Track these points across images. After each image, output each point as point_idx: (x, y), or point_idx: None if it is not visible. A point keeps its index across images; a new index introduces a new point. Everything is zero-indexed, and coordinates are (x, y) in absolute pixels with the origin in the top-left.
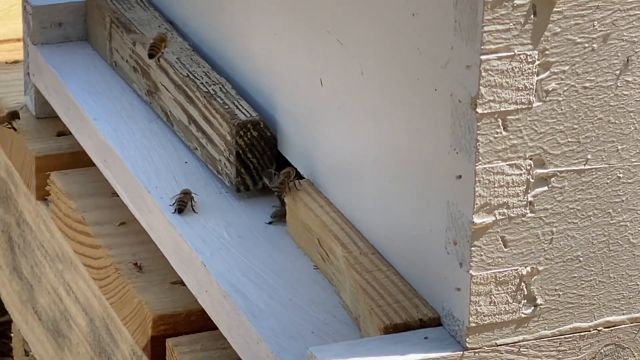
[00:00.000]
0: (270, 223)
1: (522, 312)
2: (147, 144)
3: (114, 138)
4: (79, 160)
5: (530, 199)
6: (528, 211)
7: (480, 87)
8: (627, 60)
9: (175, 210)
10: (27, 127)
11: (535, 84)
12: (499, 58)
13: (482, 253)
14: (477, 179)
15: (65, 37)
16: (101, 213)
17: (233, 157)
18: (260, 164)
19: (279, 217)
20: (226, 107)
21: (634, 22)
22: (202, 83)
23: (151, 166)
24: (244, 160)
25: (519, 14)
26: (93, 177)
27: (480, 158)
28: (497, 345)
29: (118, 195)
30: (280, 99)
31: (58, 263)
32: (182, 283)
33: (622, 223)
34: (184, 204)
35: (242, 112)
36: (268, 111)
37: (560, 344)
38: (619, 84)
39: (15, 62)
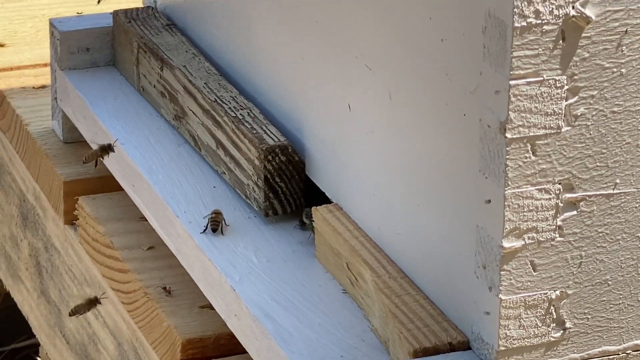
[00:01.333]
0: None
1: (551, 336)
2: (175, 169)
3: (142, 163)
4: (107, 184)
5: (559, 223)
6: (557, 235)
7: (510, 112)
8: None
9: (205, 229)
10: (54, 151)
11: (564, 108)
12: (528, 83)
13: (511, 277)
14: (506, 203)
15: (93, 62)
16: (129, 237)
17: (261, 182)
18: (288, 189)
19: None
20: (254, 131)
21: None
22: (229, 108)
23: (179, 191)
24: (272, 184)
25: (547, 39)
26: (121, 201)
27: (509, 183)
28: None
29: (146, 220)
30: (309, 123)
31: (86, 287)
32: (210, 307)
33: None
34: (217, 223)
35: (270, 137)
36: (296, 136)
37: None
38: None
39: (43, 87)
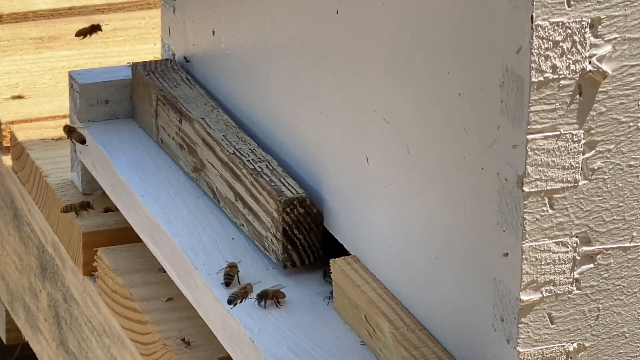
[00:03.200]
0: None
1: None
2: (194, 221)
3: (161, 214)
4: (125, 236)
5: (576, 276)
6: (574, 288)
7: (527, 166)
8: None
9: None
10: (74, 203)
11: (581, 162)
12: (545, 137)
13: (529, 330)
14: (524, 256)
15: (112, 114)
16: (148, 289)
17: (280, 234)
18: (306, 241)
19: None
20: (273, 184)
21: None
22: (248, 160)
23: (198, 242)
24: (290, 236)
25: (564, 94)
26: (140, 253)
27: (527, 236)
28: None
29: (165, 271)
30: (327, 176)
31: (105, 338)
32: (229, 358)
33: None
34: (230, 277)
35: (289, 189)
36: (314, 188)
37: None
38: None
39: (62, 138)
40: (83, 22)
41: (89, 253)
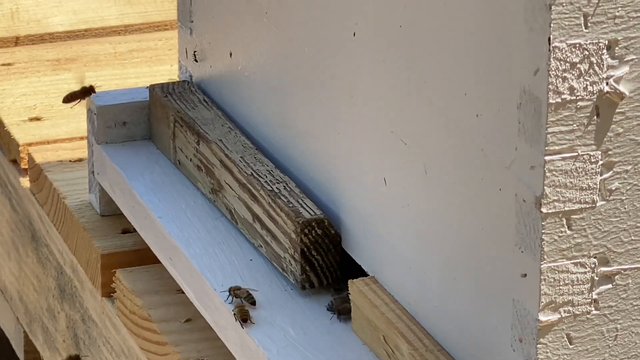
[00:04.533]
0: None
1: None
2: (212, 242)
3: (179, 236)
4: (144, 257)
5: (595, 296)
6: (593, 309)
7: (545, 187)
8: None
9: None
10: (92, 224)
11: (598, 183)
12: (563, 159)
13: (547, 350)
14: (542, 277)
15: (130, 136)
16: (167, 310)
17: (298, 255)
18: (324, 261)
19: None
20: (290, 205)
21: None
22: (266, 182)
23: (216, 264)
24: (308, 257)
25: (582, 115)
26: (158, 274)
27: (545, 257)
28: None
29: (183, 292)
30: (345, 197)
31: (124, 359)
32: None
33: None
34: (245, 313)
35: (307, 210)
36: (332, 209)
37: None
38: None
39: (79, 160)
40: (98, 44)
41: (107, 274)
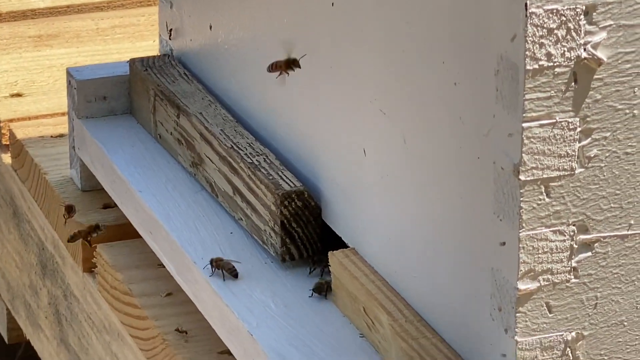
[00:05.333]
0: (311, 296)
1: None
2: (192, 215)
3: (160, 210)
4: (124, 232)
5: (574, 264)
6: (572, 277)
7: (523, 155)
8: None
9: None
10: (73, 200)
11: (577, 150)
12: (541, 125)
13: (526, 319)
14: (521, 245)
15: (110, 110)
16: (148, 284)
17: (278, 227)
18: (305, 234)
19: (319, 290)
20: (270, 177)
21: None
22: (246, 154)
23: (197, 237)
24: (289, 230)
25: (559, 81)
26: (139, 248)
27: (523, 225)
28: None
29: (164, 267)
30: (324, 168)
31: (105, 335)
32: (229, 353)
33: None
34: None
35: (287, 183)
36: (312, 181)
37: None
38: None
39: (61, 135)
40: (81, 20)
41: (88, 250)
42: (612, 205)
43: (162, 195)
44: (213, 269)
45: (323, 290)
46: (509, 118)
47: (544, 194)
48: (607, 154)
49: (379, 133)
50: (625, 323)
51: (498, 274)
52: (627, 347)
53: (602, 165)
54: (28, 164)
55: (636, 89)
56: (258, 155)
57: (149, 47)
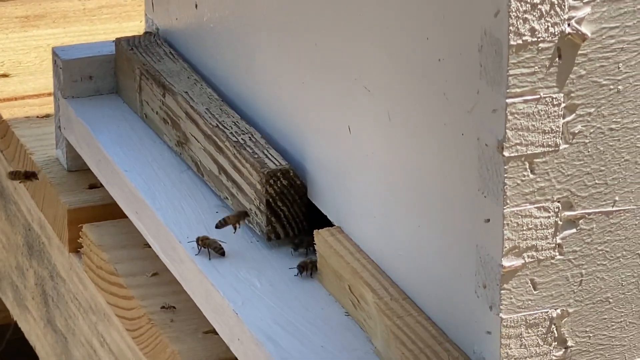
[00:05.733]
0: (296, 275)
1: (553, 355)
2: (178, 195)
3: (145, 189)
4: (110, 212)
5: (558, 241)
6: (557, 253)
7: (507, 131)
8: None
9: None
10: (59, 180)
11: (561, 126)
12: (525, 101)
13: (511, 296)
14: (505, 222)
15: (96, 90)
16: (133, 264)
17: (263, 206)
18: (290, 212)
19: (302, 269)
20: (256, 156)
21: None
22: (231, 133)
23: (182, 216)
24: (274, 208)
25: (543, 57)
26: (125, 228)
27: (508, 201)
28: None
29: (150, 246)
30: (310, 147)
31: (91, 315)
32: (214, 332)
33: None
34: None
35: (272, 161)
36: (297, 159)
37: None
38: None
39: (47, 116)
40: (67, 1)
41: (74, 230)
42: (596, 181)
43: (147, 174)
44: (199, 248)
45: (307, 269)
46: (493, 94)
47: (528, 170)
48: (592, 130)
49: (364, 110)
50: (611, 300)
51: (482, 251)
52: (612, 324)
53: (587, 141)
54: (14, 145)
55: (620, 64)
56: (243, 134)
57: (136, 28)
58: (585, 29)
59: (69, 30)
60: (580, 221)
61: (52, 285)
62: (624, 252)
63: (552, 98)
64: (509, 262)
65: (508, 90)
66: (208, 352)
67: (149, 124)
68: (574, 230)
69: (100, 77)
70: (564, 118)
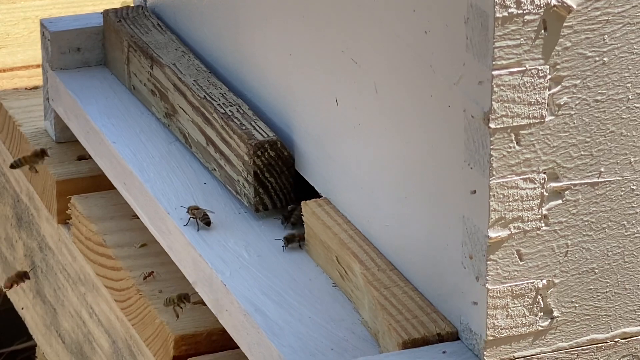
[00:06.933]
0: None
1: (539, 325)
2: (166, 166)
3: (133, 161)
4: (99, 183)
5: (544, 212)
6: (543, 224)
7: (493, 103)
8: (638, 72)
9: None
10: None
11: (547, 98)
12: (511, 73)
13: (497, 267)
14: (491, 193)
15: (84, 62)
16: (122, 235)
17: (251, 177)
18: (278, 184)
19: (289, 241)
20: (243, 127)
21: None
22: (219, 104)
23: (170, 188)
24: (262, 180)
25: (529, 29)
26: (113, 200)
27: (494, 173)
28: (515, 358)
29: (138, 218)
30: (297, 118)
31: (80, 286)
32: (202, 303)
33: (636, 234)
34: (207, 217)
35: (260, 133)
36: (285, 131)
37: (577, 355)
38: (630, 96)
39: (35, 87)
40: None
41: (63, 201)
42: (582, 152)
43: (135, 146)
44: (189, 218)
45: (294, 241)
46: (479, 66)
47: (514, 141)
48: (577, 102)
49: (351, 82)
50: (596, 270)
51: (469, 222)
52: (598, 294)
53: (572, 112)
54: (2, 116)
55: (606, 36)
56: (231, 106)
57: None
58: (570, 1)
59: (57, 2)
60: (566, 192)
61: (41, 256)
62: (610, 223)
63: (538, 70)
64: (495, 233)
65: (494, 62)
66: (196, 323)
67: (137, 95)
68: (560, 201)
69: (89, 49)
70: (549, 90)
